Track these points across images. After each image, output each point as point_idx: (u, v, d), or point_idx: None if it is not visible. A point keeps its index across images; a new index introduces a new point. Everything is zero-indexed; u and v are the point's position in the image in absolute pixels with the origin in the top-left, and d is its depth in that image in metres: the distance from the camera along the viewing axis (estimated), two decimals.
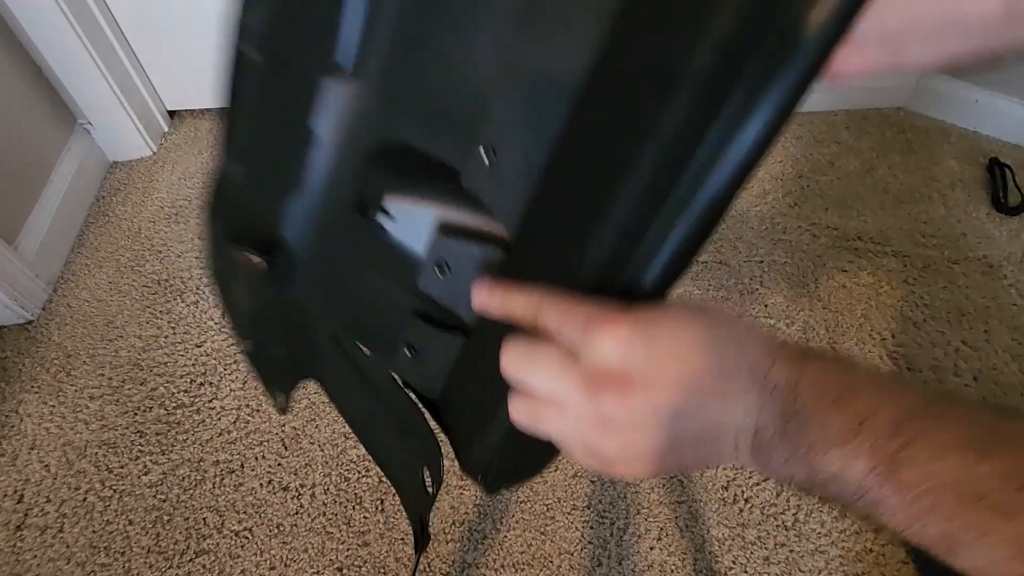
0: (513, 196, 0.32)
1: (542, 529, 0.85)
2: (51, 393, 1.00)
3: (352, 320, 0.47)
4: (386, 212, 0.37)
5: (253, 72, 0.38)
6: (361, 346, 0.46)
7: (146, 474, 0.92)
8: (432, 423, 0.44)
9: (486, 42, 0.31)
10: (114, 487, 0.91)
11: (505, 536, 0.85)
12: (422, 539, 0.48)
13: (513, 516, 0.86)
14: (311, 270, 0.45)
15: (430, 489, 0.46)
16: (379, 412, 0.48)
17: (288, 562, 0.84)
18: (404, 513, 0.87)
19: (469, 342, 0.39)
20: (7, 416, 0.98)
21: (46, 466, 0.93)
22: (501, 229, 0.34)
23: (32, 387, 1.01)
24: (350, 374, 0.48)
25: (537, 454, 0.35)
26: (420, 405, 0.45)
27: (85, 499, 0.90)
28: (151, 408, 0.99)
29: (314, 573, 0.83)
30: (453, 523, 0.86)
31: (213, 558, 0.85)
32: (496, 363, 0.30)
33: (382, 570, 0.83)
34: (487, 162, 0.32)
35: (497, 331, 0.32)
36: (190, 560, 0.85)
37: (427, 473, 0.45)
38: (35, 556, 0.85)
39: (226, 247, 0.47)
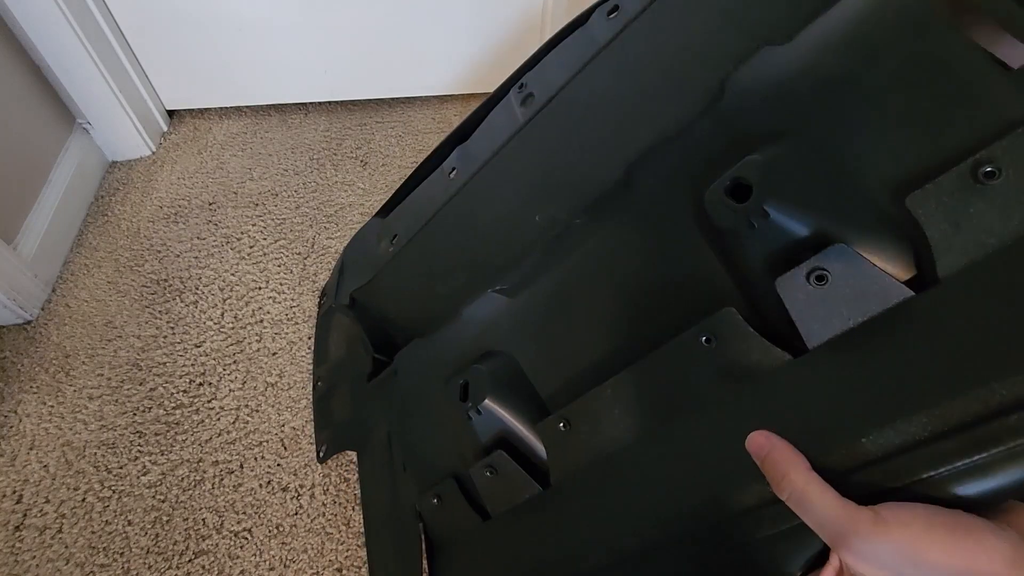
0: (572, 463, 0.42)
1: None
2: (50, 393, 1.00)
3: (407, 447, 0.56)
4: (478, 409, 0.48)
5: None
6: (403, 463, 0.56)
7: (145, 474, 0.92)
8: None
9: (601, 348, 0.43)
10: (113, 487, 0.91)
11: None
12: None
13: None
14: (396, 393, 0.57)
15: None
16: (389, 520, 0.56)
17: (287, 562, 0.84)
18: None
19: (484, 526, 0.48)
20: (6, 416, 0.98)
21: (45, 466, 0.93)
22: (544, 479, 0.44)
23: (31, 387, 1.01)
24: (385, 473, 0.57)
25: None
26: (423, 544, 0.54)
27: (84, 499, 0.90)
28: (150, 408, 0.99)
29: (313, 574, 0.83)
30: None
31: (212, 558, 0.85)
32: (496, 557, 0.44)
33: None
34: (563, 428, 0.43)
35: (502, 536, 0.45)
36: (189, 561, 0.84)
37: None
38: (34, 556, 0.85)
39: (347, 310, 0.63)
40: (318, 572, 0.83)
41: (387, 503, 0.56)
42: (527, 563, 0.43)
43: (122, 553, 0.85)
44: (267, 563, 0.84)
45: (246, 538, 0.86)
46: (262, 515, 0.88)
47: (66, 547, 0.86)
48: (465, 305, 0.51)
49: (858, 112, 0.33)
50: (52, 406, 0.99)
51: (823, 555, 0.30)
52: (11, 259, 1.05)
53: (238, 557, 0.85)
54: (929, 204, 0.29)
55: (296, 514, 0.88)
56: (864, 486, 0.28)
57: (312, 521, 0.87)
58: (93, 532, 0.87)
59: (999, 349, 0.26)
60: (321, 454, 0.62)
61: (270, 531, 0.87)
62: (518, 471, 0.45)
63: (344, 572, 0.83)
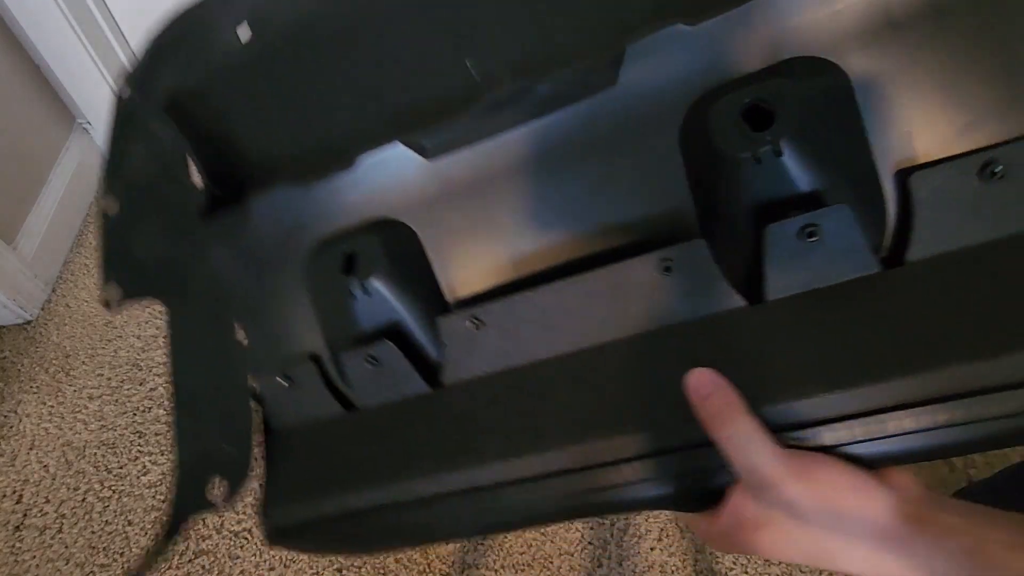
0: (474, 368, 0.38)
1: (542, 529, 0.85)
2: (50, 393, 1.00)
3: (252, 313, 0.45)
4: (364, 287, 0.39)
5: None
6: (241, 331, 0.45)
7: (145, 474, 0.92)
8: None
9: None
10: (113, 487, 0.91)
11: (505, 537, 0.84)
12: (172, 531, 0.43)
13: None
14: (245, 243, 0.45)
15: (212, 500, 0.43)
16: (212, 394, 0.45)
17: (288, 563, 0.84)
18: None
19: (347, 418, 0.42)
20: (6, 416, 0.98)
21: (45, 466, 0.93)
22: (440, 376, 0.39)
23: (31, 387, 1.01)
24: (211, 337, 0.46)
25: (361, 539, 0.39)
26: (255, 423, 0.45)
27: (84, 499, 0.90)
28: (150, 408, 0.99)
29: (313, 574, 0.83)
30: None
31: (212, 558, 0.85)
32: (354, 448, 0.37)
33: (382, 571, 0.83)
34: (473, 328, 0.37)
35: (372, 430, 0.39)
36: (189, 560, 0.85)
37: (218, 484, 0.43)
38: (34, 556, 0.85)
39: (166, 118, 0.46)
40: (318, 572, 0.83)
41: (211, 373, 0.46)
42: (398, 461, 0.39)
43: (122, 553, 0.85)
44: (267, 563, 0.84)
45: (246, 538, 0.86)
46: None
47: (66, 547, 0.86)
48: (362, 151, 0.39)
49: (884, 81, 0.31)
50: (52, 406, 0.99)
51: (710, 497, 0.31)
52: (11, 259, 1.05)
53: (238, 557, 0.85)
54: (929, 185, 0.29)
55: None
56: (782, 441, 0.29)
57: None
58: (93, 532, 0.87)
59: (936, 342, 0.28)
60: (113, 302, 0.45)
61: None
62: (406, 367, 0.39)
63: (344, 572, 0.83)
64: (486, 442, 0.36)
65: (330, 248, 0.42)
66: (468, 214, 0.40)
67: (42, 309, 1.11)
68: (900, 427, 0.28)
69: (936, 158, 0.30)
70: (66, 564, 0.84)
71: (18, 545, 0.86)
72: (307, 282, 0.43)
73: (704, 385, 0.30)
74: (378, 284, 0.39)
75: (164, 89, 0.48)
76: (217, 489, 0.43)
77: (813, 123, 0.31)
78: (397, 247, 0.41)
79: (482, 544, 0.85)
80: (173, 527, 0.42)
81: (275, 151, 0.48)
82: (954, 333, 0.28)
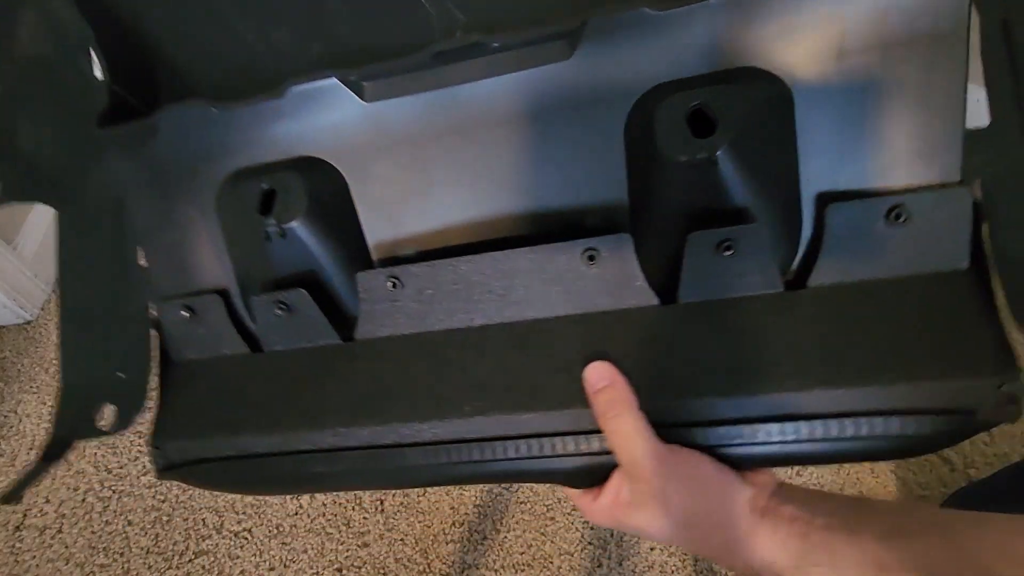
0: (389, 327, 0.38)
1: (542, 530, 0.85)
2: (50, 393, 1.00)
3: (153, 236, 0.42)
4: (282, 230, 0.37)
5: None
6: (141, 253, 0.42)
7: (145, 474, 0.92)
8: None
9: None
10: (113, 487, 0.91)
11: (505, 537, 0.84)
12: (53, 454, 0.41)
13: (513, 517, 0.86)
14: (150, 160, 0.41)
15: (101, 426, 0.41)
16: (106, 315, 0.42)
17: (287, 563, 0.84)
18: (403, 514, 0.87)
19: (252, 358, 0.41)
20: (6, 416, 0.98)
21: None
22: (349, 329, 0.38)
23: (31, 387, 1.01)
24: (107, 255, 0.42)
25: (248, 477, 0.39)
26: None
27: (84, 499, 0.90)
28: (150, 408, 0.99)
29: (313, 574, 0.83)
30: (453, 524, 0.86)
31: (212, 559, 0.85)
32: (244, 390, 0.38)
33: (382, 571, 0.83)
34: (391, 287, 0.37)
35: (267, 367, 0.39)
36: (189, 561, 0.85)
37: (108, 412, 0.41)
38: (34, 556, 0.85)
39: None
40: (318, 572, 0.83)
41: (105, 293, 0.42)
42: (301, 410, 0.38)
43: (122, 553, 0.85)
44: (267, 563, 0.84)
45: (246, 538, 0.86)
46: (262, 515, 0.88)
47: (66, 547, 0.86)
48: (295, 80, 0.36)
49: (831, 114, 0.33)
50: (52, 406, 0.99)
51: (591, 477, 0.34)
52: (11, 259, 1.05)
53: (238, 557, 0.85)
54: (841, 218, 0.32)
55: (296, 514, 0.88)
56: (664, 436, 0.32)
57: (312, 521, 0.87)
58: (93, 532, 0.87)
59: (811, 365, 0.31)
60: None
61: (270, 531, 0.87)
62: (319, 317, 0.38)
63: (344, 572, 0.83)
64: (390, 403, 0.37)
65: (247, 181, 0.39)
66: (402, 167, 0.38)
67: (42, 309, 1.11)
68: (767, 436, 0.31)
69: (854, 190, 0.32)
70: (66, 564, 0.84)
71: (18, 545, 0.86)
72: (219, 213, 0.40)
73: (600, 379, 0.33)
74: (297, 228, 0.37)
75: None
76: (107, 416, 0.41)
77: (752, 138, 0.32)
78: (322, 190, 0.38)
79: (482, 544, 0.85)
80: (54, 450, 0.40)
81: (195, 61, 0.44)
82: (829, 359, 0.31)
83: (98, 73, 0.41)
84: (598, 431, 0.33)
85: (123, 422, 0.41)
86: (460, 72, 0.35)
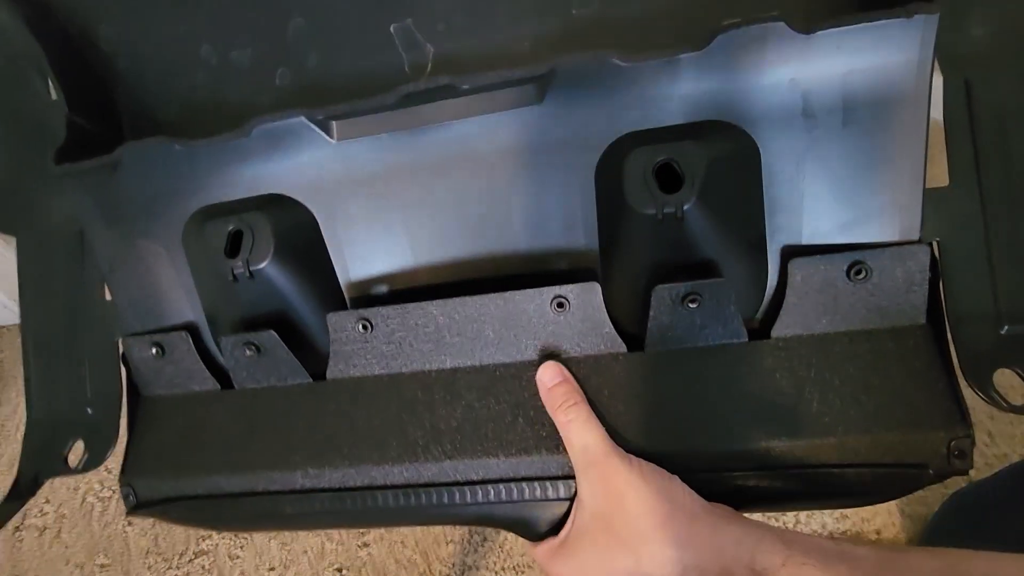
0: (358, 369, 0.38)
1: None
2: None
3: (119, 272, 0.41)
4: (250, 272, 0.37)
5: None
6: (105, 288, 0.41)
7: None
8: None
9: None
10: (113, 488, 0.91)
11: (505, 538, 0.84)
12: (23, 492, 0.41)
13: None
14: (112, 195, 0.40)
15: (71, 464, 0.41)
16: (72, 350, 0.41)
17: (287, 563, 0.84)
18: None
19: (222, 396, 0.40)
20: (6, 417, 0.98)
21: None
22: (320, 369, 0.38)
23: None
24: (70, 288, 0.41)
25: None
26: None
27: (84, 500, 0.90)
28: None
29: (313, 574, 0.83)
30: (453, 526, 0.86)
31: (212, 559, 0.85)
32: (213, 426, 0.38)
33: (382, 572, 0.83)
34: (361, 329, 0.37)
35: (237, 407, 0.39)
36: (189, 561, 0.85)
37: (77, 447, 0.41)
38: (34, 557, 0.85)
39: (13, 8, 0.40)
40: (318, 573, 0.83)
41: (67, 326, 0.41)
42: (270, 450, 0.38)
43: (122, 554, 0.85)
44: (267, 564, 0.84)
45: (246, 539, 0.86)
46: None
47: (66, 548, 0.86)
48: (262, 120, 0.34)
49: (790, 169, 0.33)
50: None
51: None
52: (11, 259, 1.05)
53: (238, 558, 0.85)
54: (804, 272, 0.33)
55: None
56: None
57: None
58: (93, 533, 0.87)
59: (781, 415, 0.32)
60: None
61: (270, 532, 0.87)
62: (289, 359, 0.38)
63: (344, 572, 0.83)
64: (361, 445, 0.37)
65: (214, 221, 0.38)
66: (373, 206, 0.37)
67: None
68: (723, 485, 0.32)
69: (817, 244, 0.34)
70: (66, 565, 0.84)
71: (18, 545, 0.86)
72: (186, 250, 0.39)
73: (553, 376, 0.34)
74: (266, 270, 0.36)
75: None
76: (77, 452, 0.41)
77: (719, 193, 0.33)
78: (290, 230, 0.37)
79: (482, 546, 0.85)
80: (25, 490, 0.40)
81: (156, 85, 0.42)
82: (787, 411, 0.32)
83: (55, 97, 0.40)
84: (563, 476, 0.34)
85: (94, 459, 0.41)
86: (430, 113, 0.35)
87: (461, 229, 0.37)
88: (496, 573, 0.82)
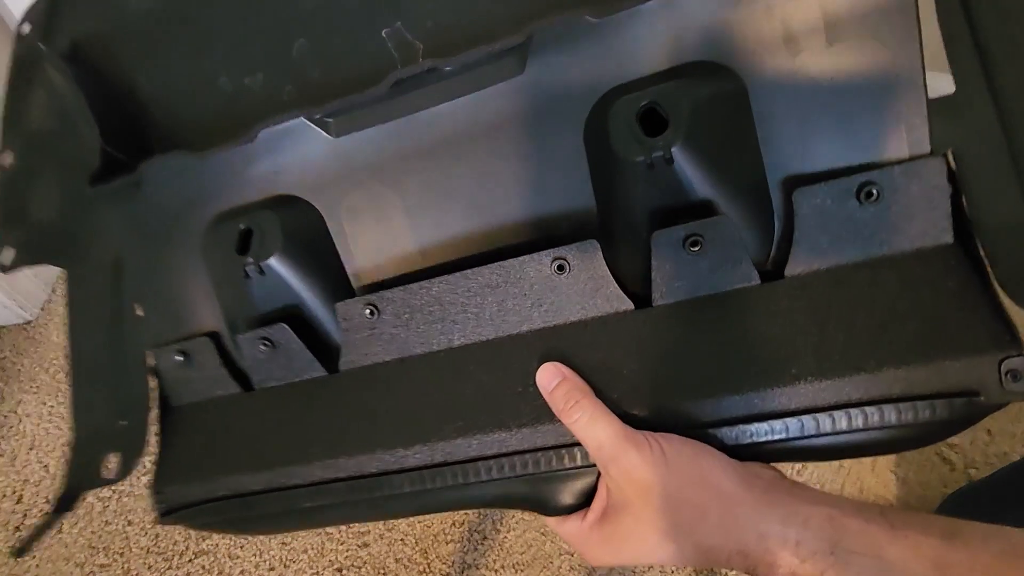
0: (370, 355, 0.38)
1: (542, 529, 0.85)
2: (50, 393, 1.00)
3: (146, 285, 0.44)
4: (260, 268, 0.38)
5: None
6: (138, 303, 0.44)
7: (145, 474, 0.92)
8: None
9: None
10: (113, 487, 0.91)
11: (505, 536, 0.84)
12: (63, 506, 0.43)
13: (513, 517, 0.86)
14: (140, 213, 0.43)
15: (106, 474, 0.43)
16: (108, 367, 0.44)
17: (287, 563, 0.84)
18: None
19: (244, 397, 0.41)
20: (6, 416, 0.98)
21: (45, 466, 0.93)
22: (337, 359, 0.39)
23: (31, 387, 1.01)
24: (106, 308, 0.45)
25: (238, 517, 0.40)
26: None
27: (84, 499, 0.90)
28: (149, 408, 0.99)
29: (313, 574, 0.83)
30: (453, 524, 0.86)
31: (212, 558, 0.85)
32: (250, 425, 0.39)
33: (382, 571, 0.83)
34: (368, 314, 0.37)
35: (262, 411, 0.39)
36: (189, 561, 0.85)
37: (112, 461, 0.43)
38: (34, 557, 0.85)
39: (63, 66, 0.45)
40: (318, 572, 0.83)
41: (106, 345, 0.45)
42: (292, 445, 0.39)
43: (122, 553, 0.85)
44: (267, 563, 0.84)
45: (246, 538, 0.86)
46: None
47: (66, 547, 0.86)
48: (264, 123, 0.37)
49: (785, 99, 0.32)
50: (52, 406, 0.99)
51: (587, 497, 0.33)
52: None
53: (238, 557, 0.85)
54: (810, 202, 0.31)
55: None
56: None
57: None
58: (93, 532, 0.87)
59: (807, 356, 0.30)
60: (5, 264, 0.44)
61: None
62: (302, 351, 0.39)
63: (344, 572, 0.83)
64: (374, 431, 0.37)
65: (225, 224, 0.40)
66: (373, 196, 0.39)
67: (42, 309, 1.12)
68: (756, 436, 0.30)
69: (821, 172, 0.31)
70: (66, 564, 0.85)
71: (18, 545, 0.87)
72: (205, 258, 0.42)
73: (552, 377, 0.33)
74: (275, 265, 0.38)
75: (66, 30, 0.46)
76: (111, 464, 0.43)
77: (707, 131, 0.32)
78: (297, 226, 0.39)
79: (482, 544, 0.85)
80: (65, 503, 0.42)
81: (179, 115, 0.46)
82: (814, 350, 0.30)
83: (93, 135, 0.44)
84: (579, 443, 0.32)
85: (125, 470, 0.42)
86: (420, 99, 0.36)
87: (461, 207, 0.37)
88: (496, 572, 0.82)
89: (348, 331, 0.38)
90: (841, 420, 0.29)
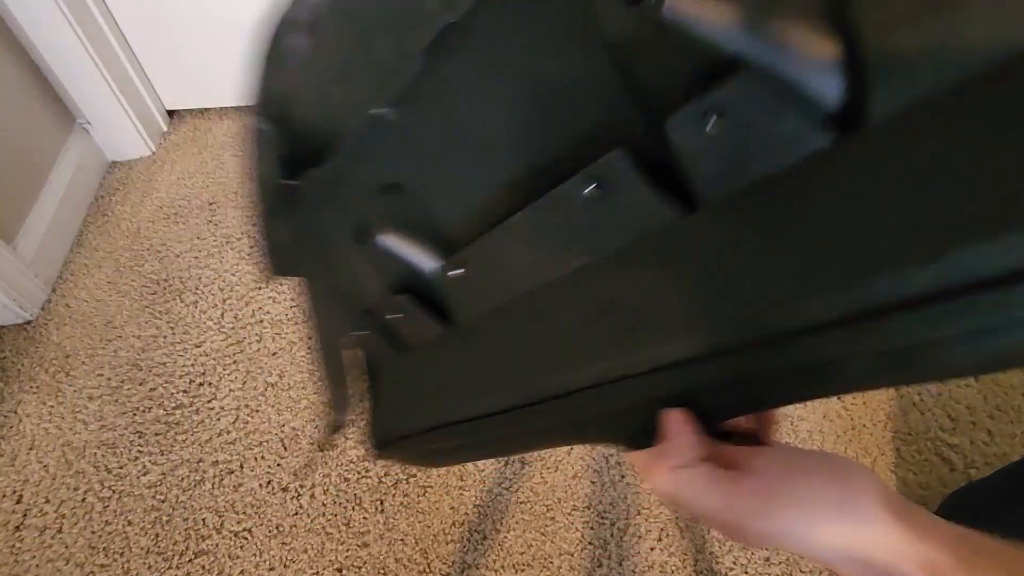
0: (472, 307, 0.39)
1: (542, 529, 0.85)
2: (50, 393, 1.00)
3: (331, 276, 0.50)
4: (375, 249, 0.41)
5: None
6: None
7: (145, 474, 0.92)
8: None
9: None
10: (113, 487, 0.91)
11: (505, 536, 0.84)
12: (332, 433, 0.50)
13: (513, 516, 0.86)
14: (308, 224, 0.48)
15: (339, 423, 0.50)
16: (323, 349, 0.52)
17: (287, 563, 0.84)
18: (403, 514, 0.87)
19: (402, 358, 0.45)
20: (6, 416, 0.98)
21: (45, 466, 0.93)
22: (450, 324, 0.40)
23: (31, 387, 1.01)
24: (321, 303, 0.52)
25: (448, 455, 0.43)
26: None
27: (84, 499, 0.90)
28: (150, 408, 0.99)
29: (313, 574, 0.83)
30: (453, 523, 0.86)
31: (212, 559, 0.85)
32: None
33: (382, 571, 0.83)
34: (459, 272, 0.38)
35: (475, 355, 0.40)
36: (189, 561, 0.85)
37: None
38: (34, 557, 0.85)
39: (262, 119, 0.49)
40: (318, 572, 0.83)
41: (323, 332, 0.54)
42: (443, 392, 0.43)
43: (122, 553, 0.85)
44: (267, 563, 0.84)
45: (246, 538, 0.86)
46: (262, 515, 0.88)
47: (66, 547, 0.86)
48: (361, 123, 0.39)
49: None
50: (52, 406, 0.99)
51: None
52: (11, 259, 1.05)
53: (238, 557, 0.85)
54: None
55: (296, 514, 0.88)
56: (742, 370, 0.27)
57: (312, 521, 0.87)
58: (93, 532, 0.87)
59: (922, 225, 0.20)
60: (266, 279, 0.54)
61: (270, 531, 0.87)
62: (422, 314, 0.41)
63: (344, 572, 0.83)
64: (538, 359, 0.37)
65: (345, 218, 0.44)
66: (440, 156, 0.39)
67: (42, 309, 1.11)
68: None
69: None
70: (66, 564, 0.84)
71: (18, 545, 0.86)
72: (345, 251, 0.46)
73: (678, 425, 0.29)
74: (384, 243, 0.41)
75: (262, 91, 0.49)
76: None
77: None
78: (397, 207, 0.42)
79: (482, 544, 0.85)
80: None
81: (319, 130, 0.48)
82: (927, 216, 0.21)
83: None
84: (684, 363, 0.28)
85: (341, 421, 0.51)
86: (453, 50, 0.34)
87: (511, 142, 0.35)
88: (496, 572, 0.82)
89: (450, 290, 0.40)
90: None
